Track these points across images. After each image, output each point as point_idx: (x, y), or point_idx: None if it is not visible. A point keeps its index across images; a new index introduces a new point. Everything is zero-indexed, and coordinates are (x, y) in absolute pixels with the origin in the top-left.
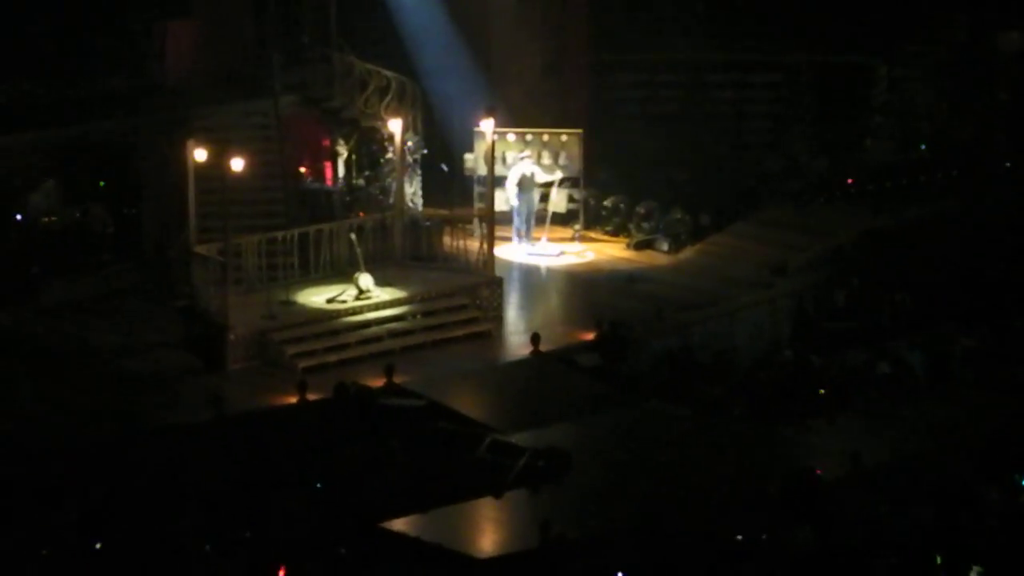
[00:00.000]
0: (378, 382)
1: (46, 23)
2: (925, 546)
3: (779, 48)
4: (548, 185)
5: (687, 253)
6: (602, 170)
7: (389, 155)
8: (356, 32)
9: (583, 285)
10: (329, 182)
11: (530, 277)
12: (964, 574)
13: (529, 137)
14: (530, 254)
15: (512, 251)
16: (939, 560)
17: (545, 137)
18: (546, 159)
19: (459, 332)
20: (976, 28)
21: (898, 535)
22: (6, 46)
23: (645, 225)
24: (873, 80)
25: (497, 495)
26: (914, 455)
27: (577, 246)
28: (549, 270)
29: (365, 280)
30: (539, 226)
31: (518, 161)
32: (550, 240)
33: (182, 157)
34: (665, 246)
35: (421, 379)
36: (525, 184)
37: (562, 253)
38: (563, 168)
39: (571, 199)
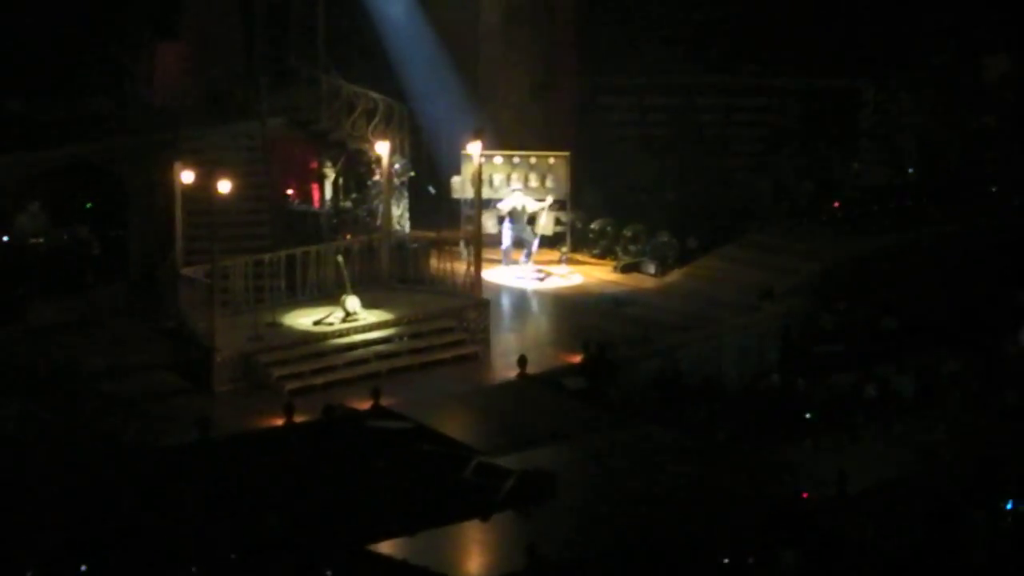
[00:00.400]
0: (365, 404)
1: (34, 44)
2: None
3: (767, 72)
4: (538, 211)
5: (674, 276)
6: (589, 193)
7: (376, 177)
8: (343, 54)
9: (570, 308)
10: (316, 204)
11: (517, 300)
12: None
13: (516, 160)
14: (517, 278)
15: (499, 274)
16: None
17: (532, 160)
18: (533, 182)
19: (446, 355)
20: (962, 51)
21: (885, 558)
22: None
23: (632, 248)
24: (860, 103)
25: (484, 518)
26: (901, 479)
27: (563, 269)
28: (536, 293)
29: (352, 302)
30: (526, 249)
31: (511, 193)
32: (537, 263)
33: (169, 179)
34: (652, 269)
35: (408, 401)
36: (516, 215)
37: (547, 276)
38: (550, 191)
39: (558, 222)
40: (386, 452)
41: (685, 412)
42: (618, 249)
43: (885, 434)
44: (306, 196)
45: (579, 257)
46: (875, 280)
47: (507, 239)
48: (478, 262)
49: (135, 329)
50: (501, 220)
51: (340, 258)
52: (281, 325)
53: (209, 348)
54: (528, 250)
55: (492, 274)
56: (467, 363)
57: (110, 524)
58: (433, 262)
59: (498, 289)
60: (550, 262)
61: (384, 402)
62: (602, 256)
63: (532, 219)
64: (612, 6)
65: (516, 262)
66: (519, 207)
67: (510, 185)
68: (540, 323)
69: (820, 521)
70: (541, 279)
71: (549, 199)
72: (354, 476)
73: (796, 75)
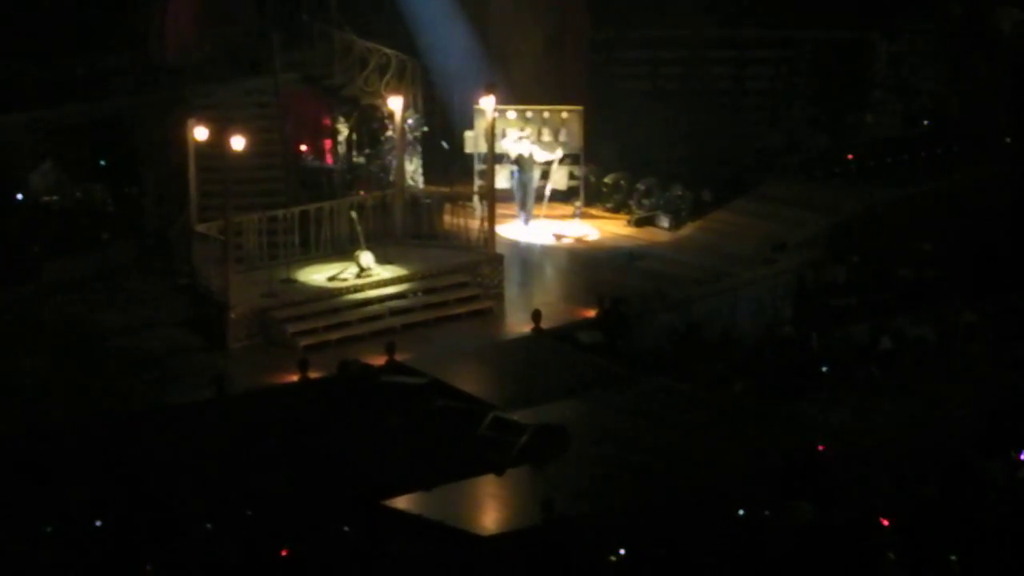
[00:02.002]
0: (379, 360)
1: (45, 2)
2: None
3: (779, 24)
4: (549, 163)
5: (688, 230)
6: (603, 147)
7: (389, 133)
8: (356, 10)
9: (584, 262)
10: (329, 160)
11: (531, 255)
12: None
13: (529, 114)
14: (532, 234)
15: (513, 229)
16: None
17: (546, 114)
18: (547, 136)
19: (460, 310)
20: (975, 2)
21: (900, 510)
22: (3, 25)
23: (646, 202)
24: (873, 55)
25: (499, 472)
26: (916, 431)
27: (577, 225)
28: (549, 248)
29: (366, 258)
30: (537, 204)
31: (516, 141)
32: (550, 218)
33: (182, 136)
34: (666, 223)
35: (422, 357)
36: (524, 164)
37: (560, 237)
38: (563, 145)
39: (572, 176)
40: (401, 407)
41: (700, 366)
42: (632, 203)
43: (900, 386)
44: (319, 152)
45: (593, 211)
46: (890, 232)
47: (518, 192)
48: (492, 217)
49: (149, 286)
50: (512, 172)
51: (354, 214)
52: (295, 281)
53: (223, 305)
54: (528, 203)
55: (506, 229)
56: (481, 318)
57: (126, 480)
58: (447, 217)
59: (512, 244)
60: (563, 216)
61: (399, 357)
62: (616, 210)
63: (545, 174)
64: None
65: (535, 217)
66: (525, 155)
67: (516, 133)
68: (554, 278)
69: (836, 473)
70: (558, 239)
71: (559, 152)
72: (369, 431)
73: (808, 27)
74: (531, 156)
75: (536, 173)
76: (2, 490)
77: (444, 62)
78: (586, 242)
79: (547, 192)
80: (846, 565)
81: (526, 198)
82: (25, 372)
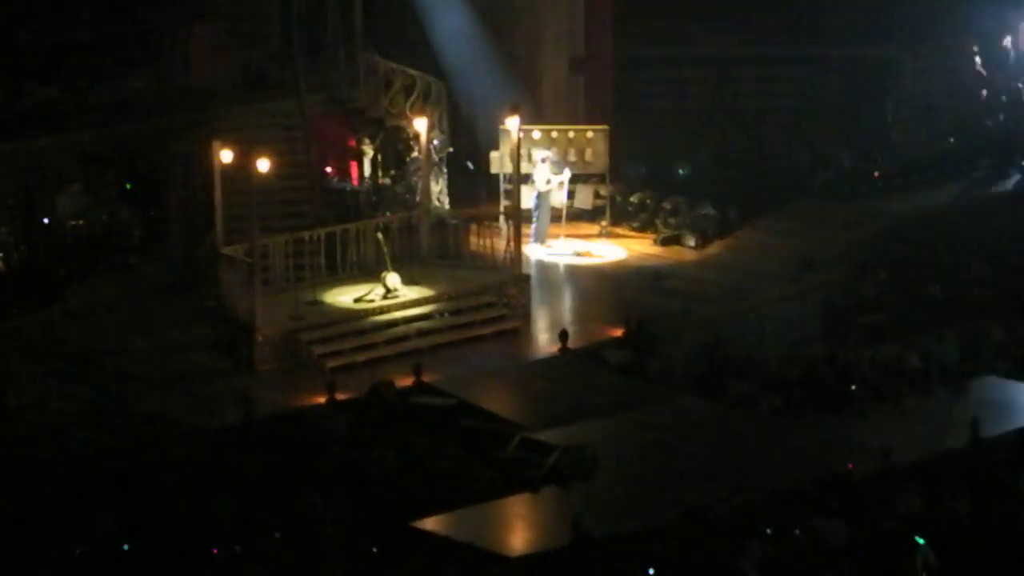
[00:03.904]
0: (407, 381)
1: (71, 27)
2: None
3: (805, 42)
4: (550, 183)
5: (714, 248)
6: (629, 166)
7: (415, 154)
8: (381, 31)
9: (611, 282)
10: (355, 182)
11: (557, 275)
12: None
13: (555, 134)
14: (549, 254)
15: (536, 250)
16: None
17: (571, 134)
18: (572, 156)
19: (487, 330)
20: (999, 19)
21: (932, 529)
22: (32, 50)
23: (672, 220)
24: (899, 72)
25: (535, 489)
26: (947, 449)
27: (595, 244)
28: (575, 267)
29: (392, 279)
30: (555, 224)
31: (539, 164)
32: (569, 238)
33: (208, 159)
34: (692, 241)
35: (450, 378)
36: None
37: (577, 254)
38: (588, 164)
39: (597, 195)
40: (429, 428)
41: (727, 384)
42: (658, 222)
43: (929, 404)
44: (345, 174)
45: (619, 230)
46: (918, 249)
47: (535, 219)
48: (518, 237)
49: (176, 309)
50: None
51: (380, 235)
52: (322, 303)
53: (250, 327)
54: (538, 226)
55: (530, 250)
56: (508, 338)
57: (154, 504)
58: (473, 238)
59: (538, 264)
60: (589, 236)
61: (426, 378)
62: (642, 229)
63: (571, 193)
64: None
65: (551, 239)
66: (547, 178)
67: (538, 155)
68: (581, 297)
69: (865, 493)
70: (571, 256)
71: (567, 172)
72: (398, 453)
73: (835, 45)
74: (547, 180)
75: (550, 197)
76: (32, 513)
77: (469, 83)
78: (608, 262)
79: (563, 213)
80: None
81: (538, 221)
82: (52, 395)
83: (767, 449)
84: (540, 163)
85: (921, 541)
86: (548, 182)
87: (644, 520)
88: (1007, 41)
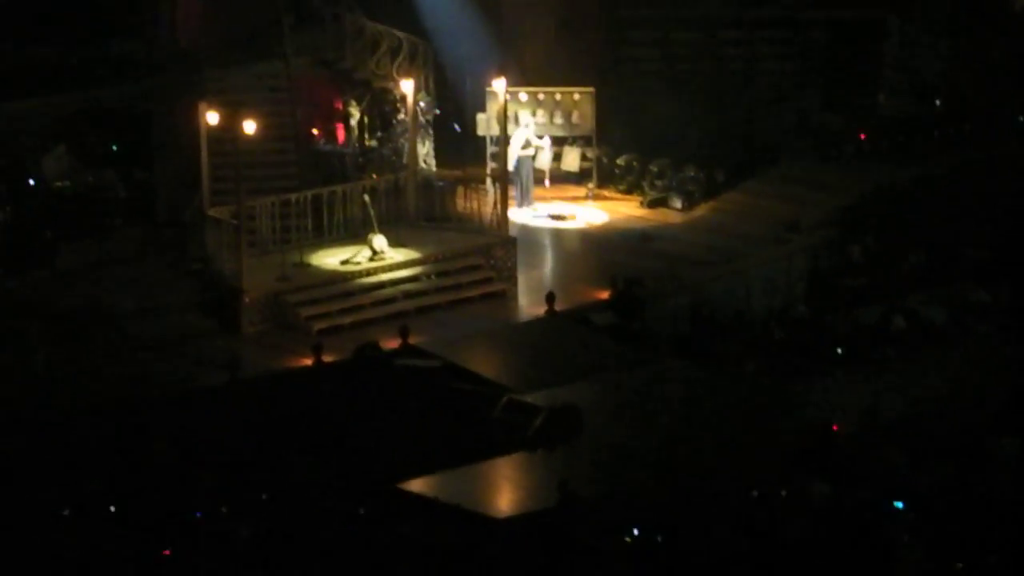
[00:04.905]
0: (393, 343)
1: None
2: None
3: (791, 4)
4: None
5: (701, 211)
6: (615, 128)
7: (401, 116)
8: None
9: (597, 244)
10: (342, 143)
11: (543, 237)
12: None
13: (541, 96)
14: (534, 216)
15: (517, 213)
16: None
17: (558, 96)
18: (559, 118)
19: (473, 292)
20: None
21: (916, 489)
22: (16, 11)
23: (658, 183)
24: (885, 34)
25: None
26: (930, 410)
27: (575, 207)
28: (563, 230)
29: (379, 241)
30: (539, 187)
31: (518, 130)
32: (550, 201)
33: (194, 120)
34: (679, 204)
35: (436, 340)
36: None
37: (559, 217)
38: (575, 127)
39: (584, 158)
40: (415, 390)
41: (713, 346)
42: (644, 184)
43: (914, 365)
44: (331, 136)
45: (606, 193)
46: (903, 212)
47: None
48: (504, 200)
49: (162, 271)
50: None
51: (366, 197)
52: (308, 265)
53: (237, 289)
54: (521, 191)
55: (515, 213)
56: (495, 300)
57: (140, 466)
58: (459, 200)
59: (524, 227)
60: (575, 198)
61: (413, 341)
62: (629, 192)
63: (557, 156)
64: None
65: (532, 202)
66: (530, 138)
67: (521, 122)
68: (567, 260)
69: (850, 454)
70: (556, 217)
71: (547, 138)
72: (384, 415)
73: (821, 7)
74: (528, 142)
75: (539, 156)
76: (18, 475)
77: (456, 44)
78: (588, 225)
79: (546, 177)
80: (861, 545)
81: (521, 184)
82: (39, 357)
83: (751, 410)
84: (520, 128)
85: (900, 505)
86: (525, 147)
87: (629, 482)
88: None
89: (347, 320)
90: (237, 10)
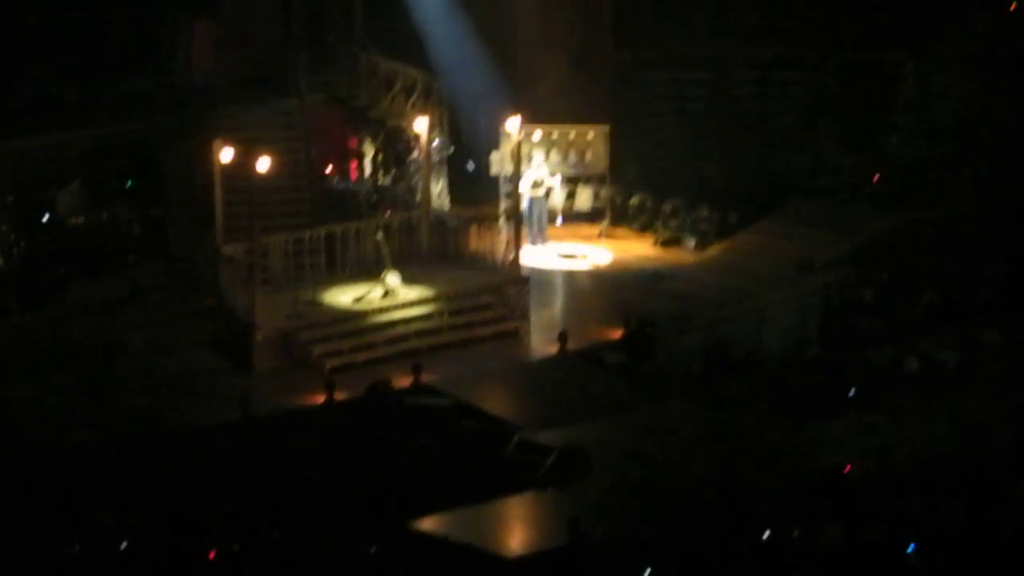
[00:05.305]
0: (406, 381)
1: (72, 25)
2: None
3: (806, 44)
4: (543, 188)
5: (714, 251)
6: (628, 167)
7: (415, 154)
8: (381, 31)
9: (610, 283)
10: (355, 181)
11: (555, 276)
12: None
13: (555, 135)
14: (538, 258)
15: (529, 252)
16: None
17: (571, 135)
18: (572, 157)
19: (486, 331)
20: (1001, 24)
21: (928, 530)
22: (33, 48)
23: (672, 222)
24: (900, 76)
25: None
26: (943, 452)
27: (585, 247)
28: (574, 269)
29: (392, 279)
30: (552, 225)
31: (530, 169)
32: (567, 240)
33: (208, 157)
34: (692, 243)
35: (448, 378)
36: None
37: (569, 256)
38: (588, 165)
39: (597, 197)
40: (427, 429)
41: (726, 386)
42: (658, 224)
43: (927, 407)
44: (345, 173)
45: (619, 232)
46: (917, 253)
47: (528, 221)
48: (518, 238)
49: (175, 308)
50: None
51: (380, 235)
52: (321, 303)
53: (250, 326)
54: (534, 230)
55: (527, 252)
56: (507, 339)
57: (153, 501)
58: (472, 239)
59: (537, 266)
60: (587, 238)
61: (425, 379)
62: (642, 231)
63: (571, 194)
64: None
65: (547, 241)
66: (539, 179)
67: (532, 160)
68: (580, 299)
69: (862, 494)
70: (568, 256)
71: (558, 176)
72: (396, 453)
73: (834, 47)
74: (542, 181)
75: (552, 195)
76: (31, 511)
77: (470, 83)
78: (593, 266)
79: (558, 217)
80: None
81: (535, 224)
82: (52, 393)
83: (764, 451)
84: (531, 168)
85: (912, 546)
86: (535, 186)
87: (641, 521)
88: None
89: (360, 358)
90: (252, 48)
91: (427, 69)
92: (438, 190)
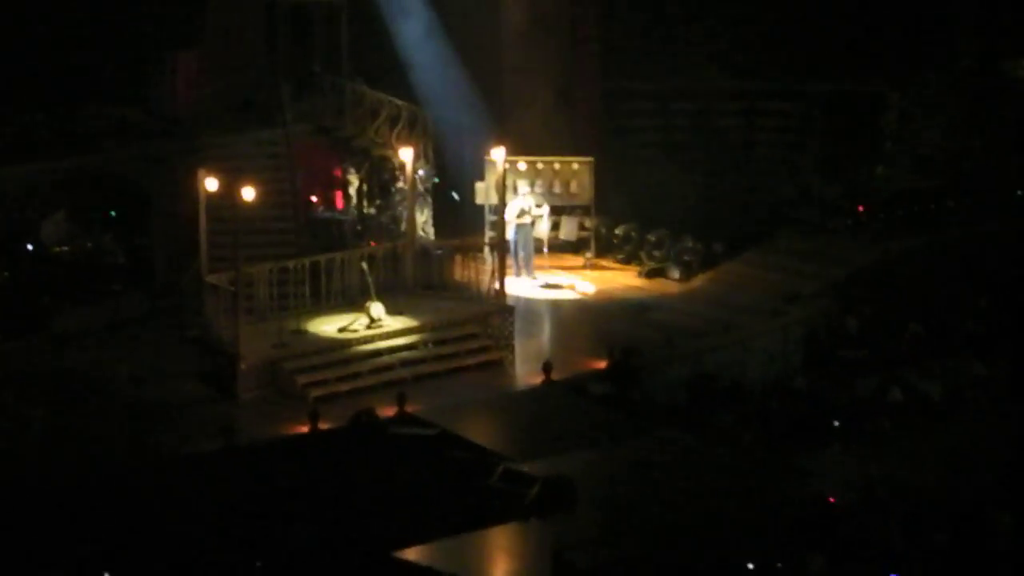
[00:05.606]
0: (390, 411)
1: (57, 54)
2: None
3: (791, 76)
4: (525, 216)
5: (698, 281)
6: (613, 198)
7: (400, 184)
8: (367, 61)
9: (595, 314)
10: (340, 211)
11: (540, 306)
12: None
13: (540, 166)
14: (521, 287)
15: (514, 283)
16: None
17: (556, 165)
18: (557, 188)
19: (471, 361)
20: (985, 55)
21: (912, 562)
22: (18, 76)
23: (656, 253)
24: (884, 108)
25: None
26: (927, 483)
27: (569, 277)
28: (559, 299)
29: (376, 309)
30: (538, 256)
31: (515, 198)
32: (553, 271)
33: (193, 187)
34: (676, 274)
35: (433, 408)
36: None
37: (553, 287)
38: (573, 196)
39: (582, 227)
40: (411, 458)
41: (710, 417)
42: (642, 254)
43: (911, 438)
44: (330, 203)
45: (604, 262)
46: (901, 284)
47: (514, 251)
48: (502, 268)
49: (160, 337)
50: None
51: (364, 265)
52: (306, 332)
53: (234, 355)
54: (519, 260)
55: (512, 282)
56: (492, 369)
57: (135, 531)
58: (457, 269)
59: (515, 296)
60: (572, 268)
61: (409, 408)
62: (627, 261)
63: (556, 225)
64: (636, 6)
65: (532, 271)
66: (526, 208)
67: (518, 190)
68: (565, 329)
69: (846, 526)
70: (552, 287)
71: (546, 207)
72: (380, 483)
73: (819, 80)
74: (529, 210)
75: (532, 228)
76: (13, 540)
77: (455, 113)
78: (582, 295)
79: (544, 246)
80: None
81: (521, 254)
82: (35, 423)
83: (748, 482)
84: (518, 196)
85: None
86: (520, 215)
87: (625, 553)
88: None
89: (344, 387)
90: (237, 77)
91: (412, 99)
92: (423, 220)
